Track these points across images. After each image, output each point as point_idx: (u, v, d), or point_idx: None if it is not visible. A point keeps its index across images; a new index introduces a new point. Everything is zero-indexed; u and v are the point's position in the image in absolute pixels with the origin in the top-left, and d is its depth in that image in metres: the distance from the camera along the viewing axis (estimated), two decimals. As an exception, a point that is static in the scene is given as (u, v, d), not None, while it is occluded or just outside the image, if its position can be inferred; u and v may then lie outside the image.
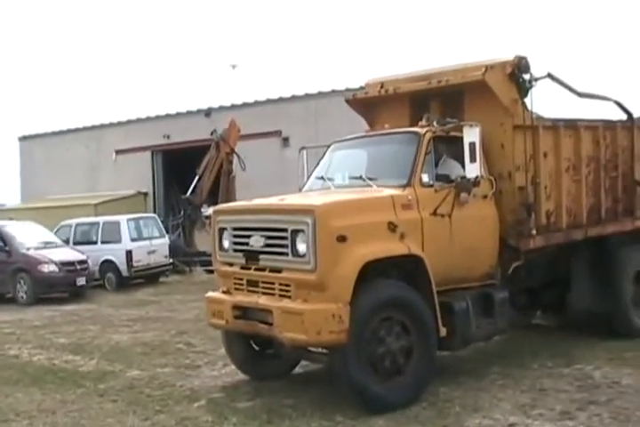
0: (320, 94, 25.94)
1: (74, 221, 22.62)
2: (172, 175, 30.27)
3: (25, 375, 9.79)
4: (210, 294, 8.65)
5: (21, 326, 14.43)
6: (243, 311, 7.97)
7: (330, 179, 9.02)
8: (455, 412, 7.19)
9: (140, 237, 21.88)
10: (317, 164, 9.59)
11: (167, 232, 23.81)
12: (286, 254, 7.50)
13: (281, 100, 27.27)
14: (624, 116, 10.76)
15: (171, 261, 22.75)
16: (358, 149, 9.41)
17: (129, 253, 21.12)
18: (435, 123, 8.60)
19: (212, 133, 23.95)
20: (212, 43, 73.66)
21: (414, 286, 7.65)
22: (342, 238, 7.17)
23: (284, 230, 7.51)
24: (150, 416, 7.63)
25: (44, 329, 13.88)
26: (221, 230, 8.48)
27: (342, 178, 9.08)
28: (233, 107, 28.34)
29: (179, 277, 22.93)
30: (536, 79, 9.10)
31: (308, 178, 9.54)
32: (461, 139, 8.03)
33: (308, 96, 26.49)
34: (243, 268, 8.13)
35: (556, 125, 9.58)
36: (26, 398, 8.59)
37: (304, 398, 7.92)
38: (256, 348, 8.86)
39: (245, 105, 28.10)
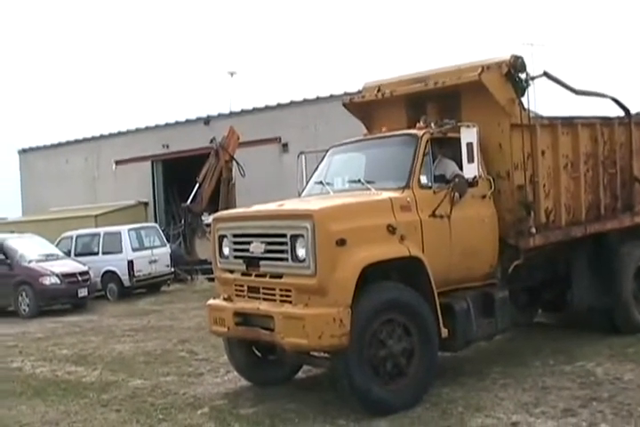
0: (318, 99, 25.88)
1: (75, 233, 22.66)
2: (171, 184, 30.27)
3: (28, 388, 9.76)
4: (211, 301, 8.63)
5: (24, 339, 14.42)
6: (244, 318, 7.94)
7: (329, 183, 8.99)
8: (458, 412, 7.19)
9: (141, 247, 21.87)
10: (316, 168, 9.57)
11: (168, 241, 23.79)
12: (286, 260, 7.47)
13: (279, 106, 27.23)
14: (621, 113, 10.74)
15: (172, 270, 22.72)
16: (356, 153, 9.39)
17: (130, 264, 21.14)
18: (432, 124, 8.61)
19: (211, 141, 23.98)
20: (209, 50, 73.97)
21: (414, 287, 7.62)
22: (342, 242, 7.14)
23: (284, 236, 7.49)
24: (154, 425, 7.63)
25: (46, 341, 13.86)
26: (221, 238, 8.45)
27: (341, 182, 9.09)
28: (232, 114, 28.34)
29: (180, 286, 22.90)
30: (532, 78, 9.11)
31: (307, 183, 9.52)
32: (459, 140, 8.00)
33: (306, 102, 26.44)
34: (243, 274, 8.10)
35: (553, 123, 9.55)
36: (29, 411, 8.56)
37: (307, 402, 7.90)
38: (258, 354, 8.83)
39: (244, 112, 28.08)
